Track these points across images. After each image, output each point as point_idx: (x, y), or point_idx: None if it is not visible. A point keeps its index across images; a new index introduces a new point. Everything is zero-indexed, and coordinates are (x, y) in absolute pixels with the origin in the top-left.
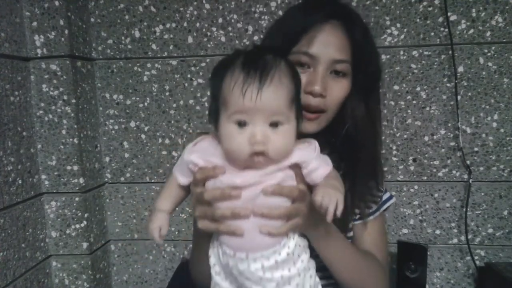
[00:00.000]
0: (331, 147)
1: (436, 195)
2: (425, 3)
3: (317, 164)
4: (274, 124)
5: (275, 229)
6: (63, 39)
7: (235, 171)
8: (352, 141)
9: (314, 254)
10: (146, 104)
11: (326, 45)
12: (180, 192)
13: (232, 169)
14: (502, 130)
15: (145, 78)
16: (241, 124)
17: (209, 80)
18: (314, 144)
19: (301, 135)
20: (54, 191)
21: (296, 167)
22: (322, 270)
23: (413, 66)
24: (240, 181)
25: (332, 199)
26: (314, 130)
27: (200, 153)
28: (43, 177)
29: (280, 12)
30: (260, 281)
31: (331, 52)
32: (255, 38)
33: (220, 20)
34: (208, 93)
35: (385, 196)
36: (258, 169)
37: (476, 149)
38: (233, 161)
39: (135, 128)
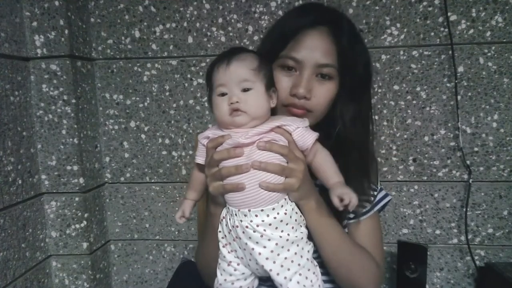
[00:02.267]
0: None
1: (436, 195)
2: (425, 3)
3: (304, 131)
4: (245, 90)
5: (273, 184)
6: (63, 39)
7: (236, 135)
8: (343, 141)
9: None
10: (146, 104)
11: (312, 49)
12: (202, 176)
13: (235, 134)
14: (502, 130)
15: (145, 78)
16: (222, 94)
17: (205, 74)
18: (303, 119)
19: None
20: (54, 191)
21: (287, 134)
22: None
23: (413, 66)
24: (244, 140)
25: (351, 199)
26: None
27: (210, 131)
28: (43, 177)
29: (280, 12)
30: (261, 240)
31: (317, 57)
32: (255, 38)
33: (220, 20)
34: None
35: (380, 195)
36: (253, 131)
37: (476, 149)
38: (223, 127)
39: (135, 128)
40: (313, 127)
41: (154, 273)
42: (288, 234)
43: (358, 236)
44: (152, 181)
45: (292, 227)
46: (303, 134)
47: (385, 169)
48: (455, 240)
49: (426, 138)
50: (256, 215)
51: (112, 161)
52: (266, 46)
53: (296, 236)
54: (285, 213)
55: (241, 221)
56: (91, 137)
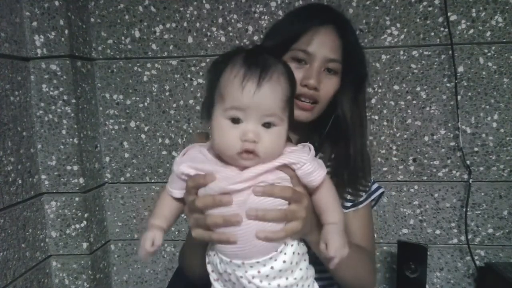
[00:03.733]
0: (321, 137)
1: (436, 195)
2: (425, 3)
3: (312, 166)
4: (266, 125)
5: (273, 234)
6: (63, 39)
7: (226, 176)
8: (340, 131)
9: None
10: (146, 104)
11: (322, 45)
12: (177, 206)
13: (223, 173)
14: (502, 130)
15: (145, 78)
16: (235, 120)
17: (207, 73)
18: (308, 147)
19: (295, 124)
20: (54, 191)
21: (290, 169)
22: (321, 271)
23: (413, 66)
24: (230, 186)
25: (341, 252)
26: (307, 119)
27: (190, 162)
28: (43, 177)
29: (280, 12)
30: None
31: (326, 52)
32: (255, 38)
33: (220, 20)
34: None
35: (373, 186)
36: (249, 172)
37: (476, 149)
38: (222, 156)
39: (135, 128)
40: (314, 118)
41: (154, 273)
42: (287, 279)
43: (352, 226)
44: (152, 181)
45: (292, 271)
46: (311, 173)
47: (385, 169)
48: (455, 240)
49: (426, 138)
50: (251, 266)
51: (112, 161)
52: (276, 39)
53: (295, 278)
54: (284, 261)
55: (234, 270)
56: (91, 137)
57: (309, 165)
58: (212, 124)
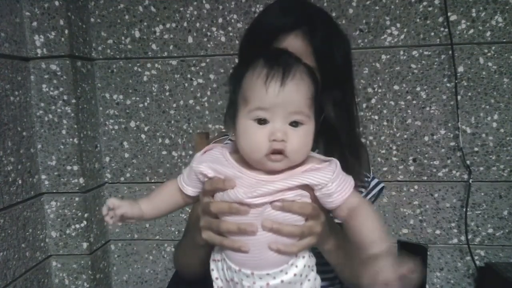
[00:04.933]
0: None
1: (436, 195)
2: (425, 3)
3: (332, 188)
4: (294, 124)
5: (286, 247)
6: (63, 39)
7: (246, 185)
8: (329, 127)
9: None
10: (146, 104)
11: None
12: (178, 200)
13: (243, 180)
14: (502, 130)
15: (145, 78)
16: (261, 121)
17: (229, 79)
18: (335, 164)
19: None
20: (54, 191)
21: (310, 189)
22: (324, 272)
23: (413, 66)
24: (248, 200)
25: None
26: None
27: (210, 162)
28: (43, 177)
29: None
30: None
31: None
32: None
33: (220, 20)
34: (208, 93)
35: (373, 182)
36: (269, 187)
37: (476, 149)
38: (248, 161)
39: (135, 128)
40: None
41: (154, 273)
42: None
43: None
44: (152, 181)
45: (301, 283)
46: (335, 191)
47: (385, 169)
48: (455, 240)
49: (426, 138)
50: (260, 278)
51: (112, 161)
52: (248, 50)
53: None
54: (295, 274)
55: (241, 280)
56: (91, 137)
57: (330, 186)
58: (237, 128)
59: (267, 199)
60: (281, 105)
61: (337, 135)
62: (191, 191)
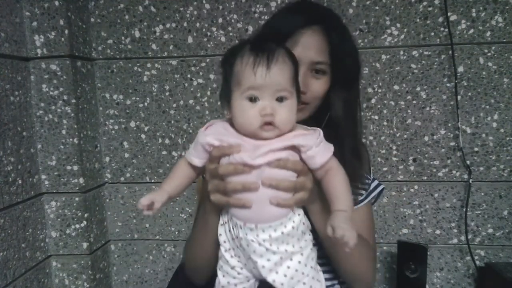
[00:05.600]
0: None
1: (436, 195)
2: (425, 3)
3: (315, 151)
4: (279, 99)
5: (284, 201)
6: (63, 39)
7: (246, 150)
8: (334, 128)
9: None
10: (146, 104)
11: (308, 48)
12: (190, 173)
13: (244, 146)
14: (502, 130)
15: (145, 78)
16: (252, 99)
17: (220, 65)
18: (318, 132)
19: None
20: (54, 191)
21: (297, 150)
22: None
23: (413, 66)
24: (251, 161)
25: (351, 235)
26: (300, 118)
27: (214, 134)
28: (43, 177)
29: None
30: (266, 253)
31: (312, 55)
32: None
33: (220, 20)
34: (208, 93)
35: (373, 184)
36: (266, 148)
37: (476, 149)
38: (244, 133)
39: (135, 128)
40: (307, 117)
41: (154, 273)
42: (293, 246)
43: (355, 224)
44: (152, 181)
45: (298, 239)
46: (315, 155)
47: (385, 169)
48: (455, 240)
49: (426, 138)
50: (263, 230)
51: (112, 161)
52: None
53: (301, 247)
54: (293, 227)
55: (246, 234)
56: (91, 137)
57: (314, 149)
58: (232, 107)
59: (266, 159)
60: (268, 85)
61: (341, 135)
62: (198, 161)
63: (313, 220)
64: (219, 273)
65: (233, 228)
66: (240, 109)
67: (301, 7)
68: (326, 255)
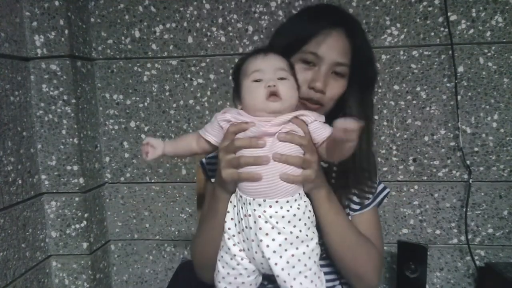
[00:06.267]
0: None
1: (436, 195)
2: (425, 3)
3: (320, 125)
4: (279, 79)
5: (293, 176)
6: (63, 39)
7: (260, 124)
8: None
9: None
10: (146, 104)
11: (332, 48)
12: (194, 145)
13: (258, 122)
14: (502, 130)
15: (145, 78)
16: (258, 81)
17: (232, 74)
18: (320, 115)
19: None
20: (54, 191)
21: (304, 124)
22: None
23: (413, 66)
24: (264, 128)
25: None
26: None
27: (231, 114)
28: (43, 177)
29: (280, 12)
30: (272, 232)
31: (335, 56)
32: (255, 38)
33: (220, 20)
34: (208, 93)
35: (379, 187)
36: (276, 120)
37: (476, 149)
38: (254, 112)
39: (135, 128)
40: None
41: (154, 273)
42: (300, 231)
43: (360, 228)
44: (152, 181)
45: (305, 224)
46: (319, 128)
47: (385, 169)
48: (455, 240)
49: (426, 138)
50: (270, 206)
51: (112, 161)
52: (287, 40)
53: (307, 235)
54: (298, 208)
55: (254, 210)
56: (91, 137)
57: (318, 122)
58: (242, 94)
59: (277, 128)
60: (268, 65)
61: None
62: (212, 139)
63: (317, 206)
64: (219, 264)
65: (242, 208)
66: (248, 90)
67: (325, 10)
68: (330, 255)
